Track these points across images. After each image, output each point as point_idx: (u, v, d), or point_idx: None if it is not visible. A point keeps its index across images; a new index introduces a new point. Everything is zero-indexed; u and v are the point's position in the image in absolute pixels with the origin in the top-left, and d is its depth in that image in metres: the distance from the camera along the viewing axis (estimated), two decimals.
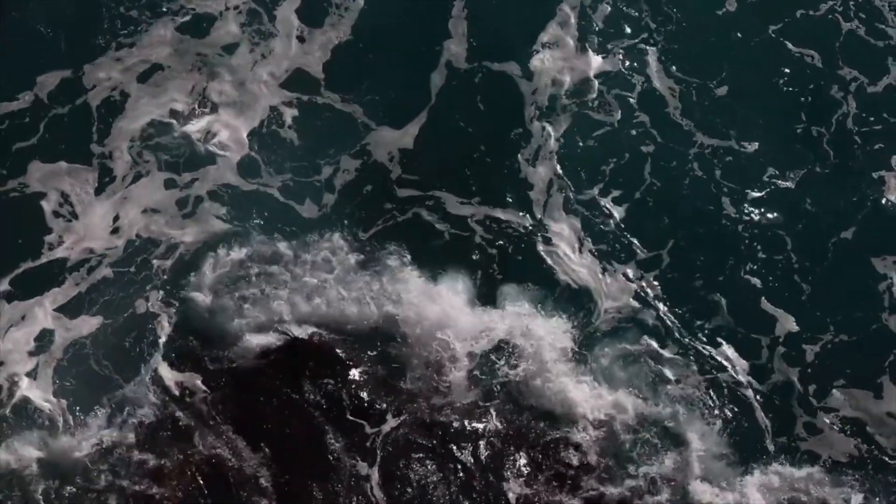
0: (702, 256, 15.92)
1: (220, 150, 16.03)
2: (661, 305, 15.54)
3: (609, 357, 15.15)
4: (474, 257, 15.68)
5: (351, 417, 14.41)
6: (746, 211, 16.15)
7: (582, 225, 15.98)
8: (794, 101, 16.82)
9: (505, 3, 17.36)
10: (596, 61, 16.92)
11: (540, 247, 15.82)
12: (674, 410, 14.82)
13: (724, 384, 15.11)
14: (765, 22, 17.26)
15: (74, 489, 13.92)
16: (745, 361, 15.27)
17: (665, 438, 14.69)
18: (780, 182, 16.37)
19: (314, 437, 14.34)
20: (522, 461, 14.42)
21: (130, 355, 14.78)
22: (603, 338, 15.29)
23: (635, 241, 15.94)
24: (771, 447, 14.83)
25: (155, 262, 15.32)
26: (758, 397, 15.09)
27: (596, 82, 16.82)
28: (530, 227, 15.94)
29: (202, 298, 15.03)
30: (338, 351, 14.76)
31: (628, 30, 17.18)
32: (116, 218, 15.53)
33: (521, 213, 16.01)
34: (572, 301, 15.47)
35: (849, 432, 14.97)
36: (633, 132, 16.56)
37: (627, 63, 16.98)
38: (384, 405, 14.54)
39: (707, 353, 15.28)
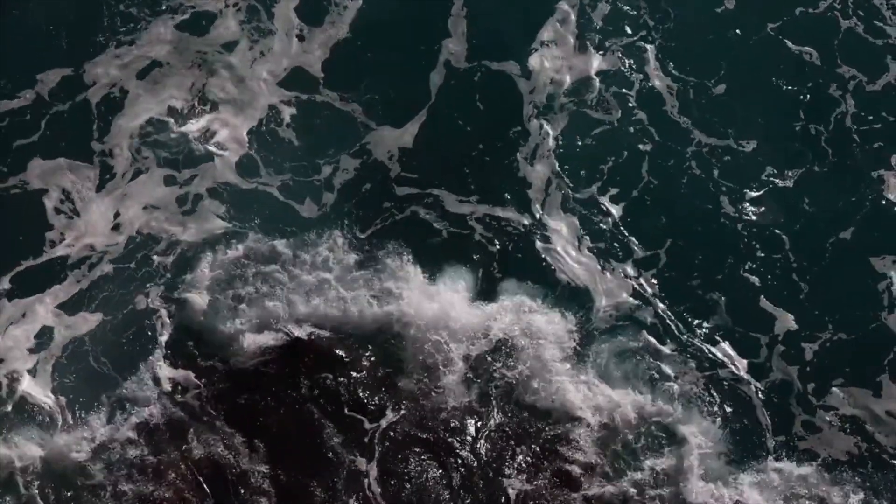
0: (700, 255, 15.93)
1: (219, 149, 16.06)
2: (659, 304, 15.55)
3: (608, 355, 15.16)
4: (473, 255, 15.70)
5: (349, 413, 14.44)
6: (745, 209, 16.15)
7: (580, 223, 15.99)
8: (792, 100, 16.81)
9: (504, 1, 17.35)
10: (594, 60, 16.92)
11: (538, 245, 15.84)
12: (673, 408, 14.82)
13: (723, 382, 15.12)
14: (763, 20, 17.25)
15: (72, 486, 13.97)
16: (744, 360, 15.28)
17: (664, 436, 14.69)
18: (778, 181, 16.37)
19: (313, 434, 14.36)
20: (521, 458, 14.43)
21: (130, 353, 14.83)
22: (601, 335, 15.30)
23: (634, 240, 15.95)
24: (770, 445, 14.83)
25: (155, 258, 15.36)
26: (757, 395, 15.09)
27: (594, 81, 16.83)
28: (529, 226, 15.96)
29: (201, 297, 15.06)
30: (337, 349, 14.78)
31: (627, 28, 17.19)
32: (117, 215, 15.58)
33: (519, 212, 16.03)
34: (571, 299, 15.48)
35: (848, 430, 14.97)
36: (632, 130, 16.57)
37: (626, 61, 16.99)
38: (383, 402, 14.56)
39: (706, 351, 15.29)
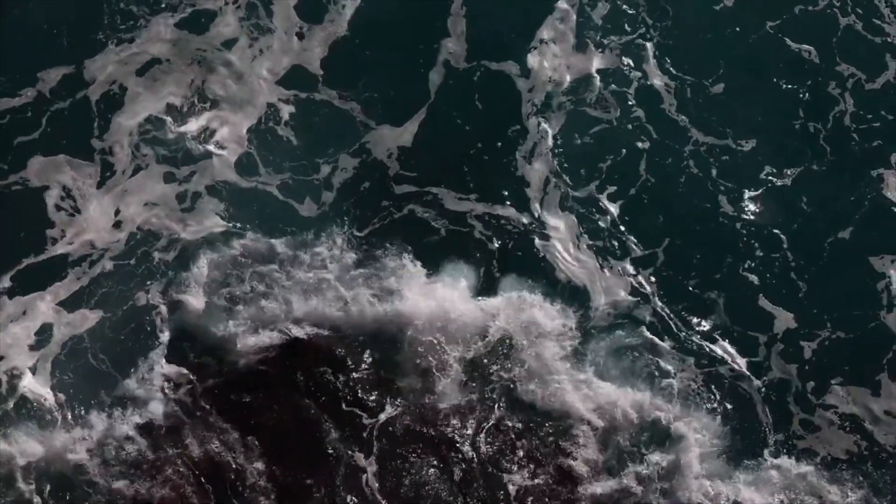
0: (699, 253, 15.93)
1: (218, 147, 16.08)
2: (658, 302, 15.56)
3: (606, 352, 15.17)
4: (472, 254, 15.72)
5: (348, 409, 14.46)
6: (743, 208, 16.15)
7: (579, 221, 16.00)
8: (791, 98, 16.80)
9: (503, 1, 17.35)
10: (593, 58, 16.93)
11: (537, 243, 15.85)
12: (672, 406, 14.84)
13: (722, 380, 15.13)
14: (762, 18, 17.24)
15: (71, 483, 14.00)
16: (743, 358, 15.28)
17: (663, 434, 14.70)
18: (777, 179, 16.37)
19: (312, 430, 14.39)
20: (521, 454, 14.45)
21: (129, 351, 14.87)
22: (600, 333, 15.32)
23: (632, 238, 15.96)
24: (769, 443, 14.85)
25: (155, 255, 15.39)
26: (756, 393, 15.10)
27: (593, 79, 16.83)
28: (528, 224, 15.97)
29: (200, 296, 15.09)
30: (336, 347, 14.80)
31: (626, 27, 17.19)
32: (117, 212, 15.62)
33: (518, 210, 16.04)
34: (570, 297, 15.49)
35: (846, 429, 14.98)
36: (630, 128, 16.57)
37: (625, 60, 16.99)
38: (381, 398, 14.58)
39: (705, 349, 15.29)
